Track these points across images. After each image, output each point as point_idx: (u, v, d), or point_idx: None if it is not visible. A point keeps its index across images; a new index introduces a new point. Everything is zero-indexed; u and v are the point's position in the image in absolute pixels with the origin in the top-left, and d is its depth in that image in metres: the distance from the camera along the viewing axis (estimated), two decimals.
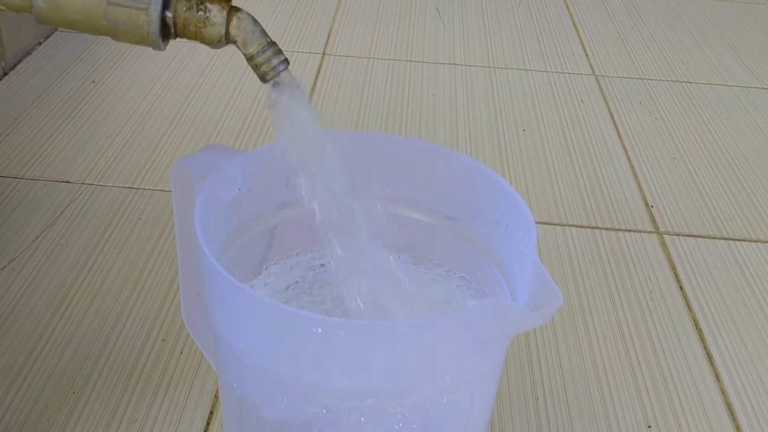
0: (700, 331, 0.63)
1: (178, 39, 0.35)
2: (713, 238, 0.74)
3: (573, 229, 0.74)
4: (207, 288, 0.37)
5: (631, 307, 0.65)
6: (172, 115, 0.86)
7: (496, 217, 0.42)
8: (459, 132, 0.88)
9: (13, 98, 0.87)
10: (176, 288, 0.62)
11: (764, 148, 0.90)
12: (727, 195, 0.81)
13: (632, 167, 0.84)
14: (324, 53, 1.03)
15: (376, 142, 0.46)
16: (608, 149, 0.87)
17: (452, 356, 0.35)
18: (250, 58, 0.35)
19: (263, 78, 0.35)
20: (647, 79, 1.03)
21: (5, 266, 0.63)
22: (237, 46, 0.35)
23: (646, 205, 0.78)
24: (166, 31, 0.34)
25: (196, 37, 0.34)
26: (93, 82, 0.92)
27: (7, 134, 0.80)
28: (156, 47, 0.34)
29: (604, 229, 0.74)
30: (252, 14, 0.35)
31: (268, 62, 0.35)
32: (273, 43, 0.35)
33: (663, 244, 0.73)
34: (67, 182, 0.74)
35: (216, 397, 0.54)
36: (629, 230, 0.74)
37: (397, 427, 0.36)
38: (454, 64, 1.03)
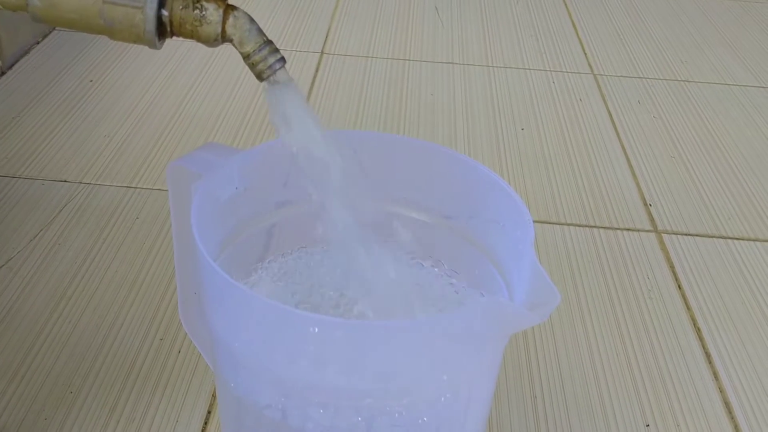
0: (698, 330, 0.63)
1: (174, 38, 0.35)
2: (711, 237, 0.74)
3: (571, 228, 0.74)
4: (204, 287, 0.37)
5: (630, 306, 0.65)
6: (170, 114, 0.86)
7: (494, 216, 0.42)
8: (457, 131, 0.88)
9: (11, 97, 0.87)
10: (174, 287, 0.62)
11: (763, 147, 0.90)
12: (725, 194, 0.81)
13: (631, 166, 0.84)
14: (322, 52, 1.03)
15: (374, 141, 0.46)
16: (607, 148, 0.87)
17: (449, 355, 0.35)
18: (246, 57, 0.35)
19: (259, 76, 0.35)
20: (646, 78, 1.03)
21: (3, 265, 0.63)
22: (233, 45, 0.35)
23: (645, 204, 0.78)
24: (162, 30, 0.34)
25: (193, 35, 0.34)
26: (91, 81, 0.91)
27: (5, 133, 0.80)
28: (152, 46, 0.34)
29: (602, 227, 0.74)
30: (248, 13, 0.35)
31: (265, 61, 0.35)
32: (269, 42, 0.35)
33: (661, 243, 0.73)
34: (65, 181, 0.74)
35: (214, 396, 0.54)
36: (628, 229, 0.74)
37: (394, 426, 0.36)
38: (452, 63, 1.03)
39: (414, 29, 1.12)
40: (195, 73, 0.95)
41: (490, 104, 0.94)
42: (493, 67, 1.03)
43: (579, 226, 0.74)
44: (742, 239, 0.74)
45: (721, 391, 0.58)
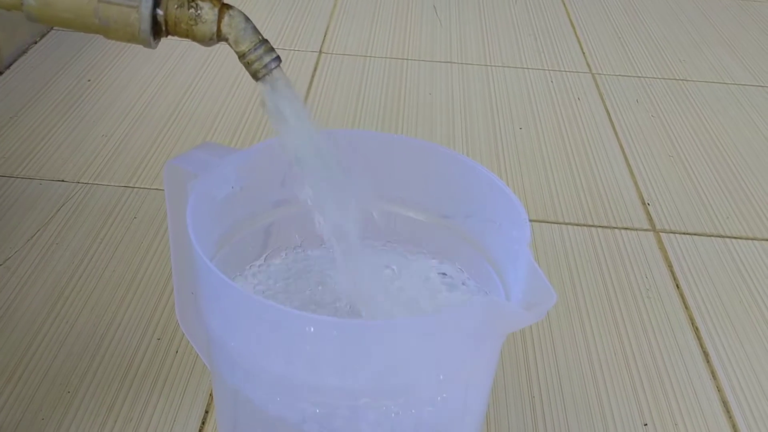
0: (696, 329, 0.63)
1: (170, 37, 0.35)
2: (710, 235, 0.74)
3: (569, 227, 0.74)
4: (200, 287, 0.37)
5: (628, 304, 0.65)
6: (168, 114, 0.86)
7: (491, 215, 0.42)
8: (456, 130, 0.88)
9: (8, 97, 0.87)
10: (171, 287, 0.62)
11: (761, 146, 0.90)
12: (723, 193, 0.81)
13: (629, 165, 0.84)
14: (321, 51, 1.03)
15: (372, 140, 0.46)
16: (605, 147, 0.87)
17: (446, 355, 0.35)
18: (241, 56, 0.35)
19: (255, 75, 0.35)
20: (644, 77, 1.03)
21: (0, 265, 0.63)
22: (229, 44, 0.35)
23: (643, 203, 0.78)
24: (158, 29, 0.34)
25: (188, 34, 0.34)
26: (89, 80, 0.91)
27: (3, 133, 0.80)
28: (147, 45, 0.34)
29: (600, 227, 0.74)
30: (244, 12, 0.35)
31: (260, 60, 0.35)
32: (265, 41, 0.35)
33: (659, 241, 0.73)
34: (63, 181, 0.74)
35: (211, 396, 0.54)
36: (626, 228, 0.74)
37: (391, 425, 0.36)
38: (450, 62, 1.03)
39: (412, 28, 1.12)
40: (193, 73, 0.94)
41: (489, 103, 0.94)
42: (491, 66, 1.03)
43: (577, 225, 0.74)
44: (740, 238, 0.74)
45: (719, 390, 0.58)
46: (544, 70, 1.03)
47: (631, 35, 1.15)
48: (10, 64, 0.93)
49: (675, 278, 0.68)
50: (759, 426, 0.55)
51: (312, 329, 0.32)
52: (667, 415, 0.55)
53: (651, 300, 0.66)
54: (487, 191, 0.41)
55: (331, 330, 0.33)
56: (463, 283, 0.45)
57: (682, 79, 1.03)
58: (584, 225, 0.74)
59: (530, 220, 0.39)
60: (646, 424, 0.54)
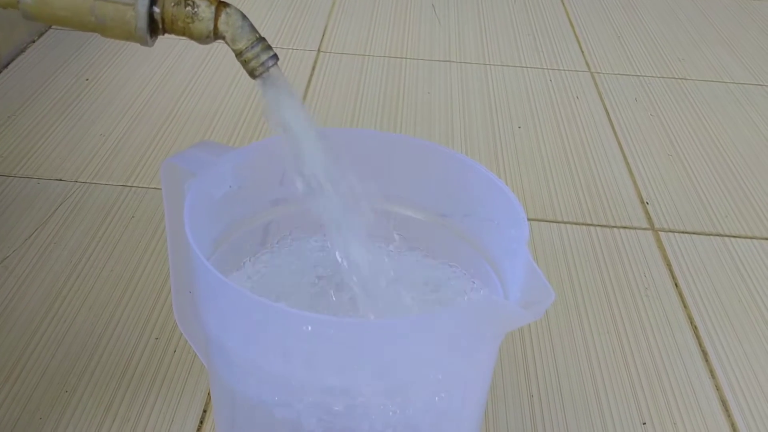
0: (695, 328, 0.63)
1: (166, 35, 0.35)
2: (708, 234, 0.74)
3: (568, 226, 0.74)
4: (197, 286, 0.37)
5: (626, 303, 0.65)
6: (166, 113, 0.86)
7: (489, 214, 0.42)
8: (454, 129, 0.88)
9: (6, 96, 0.86)
10: (169, 286, 0.62)
11: (760, 144, 0.90)
12: (722, 192, 0.80)
13: (627, 164, 0.84)
14: (319, 50, 1.03)
15: (371, 139, 0.46)
16: (604, 146, 0.87)
17: (443, 354, 0.35)
18: (239, 54, 0.35)
19: (252, 73, 0.35)
20: (643, 76, 1.03)
21: None
22: (226, 42, 0.35)
23: (642, 202, 0.78)
24: (154, 27, 0.34)
25: (185, 32, 0.34)
26: (87, 79, 0.91)
27: (1, 132, 0.80)
28: (144, 43, 0.34)
29: (599, 225, 0.74)
30: (241, 10, 0.35)
31: (257, 58, 0.35)
32: (262, 39, 0.35)
33: (658, 240, 0.73)
34: (61, 180, 0.74)
35: (209, 395, 0.53)
36: (624, 227, 0.74)
37: (389, 424, 0.36)
38: (449, 61, 1.03)
39: (411, 27, 1.11)
40: (191, 72, 0.94)
41: (487, 102, 0.93)
42: (490, 65, 1.03)
43: (576, 224, 0.74)
44: (739, 237, 0.74)
45: (718, 389, 0.58)
46: (543, 69, 1.03)
47: (630, 34, 1.15)
48: (8, 63, 0.93)
49: (674, 277, 0.68)
50: (758, 424, 0.55)
51: (309, 328, 0.32)
52: (665, 413, 0.55)
53: (650, 299, 0.66)
54: (486, 190, 0.41)
55: (329, 329, 0.33)
56: (463, 276, 0.45)
57: (681, 78, 1.03)
58: (583, 224, 0.74)
59: (529, 219, 0.39)
60: (644, 423, 0.54)
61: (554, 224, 0.74)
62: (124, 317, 0.59)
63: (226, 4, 0.34)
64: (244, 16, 0.35)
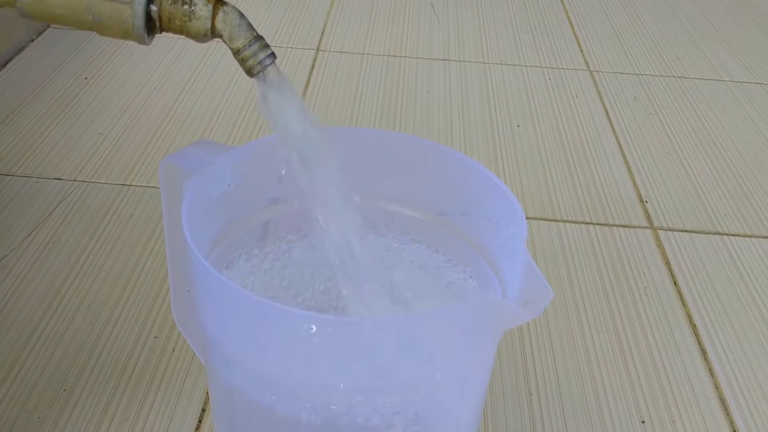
0: (694, 327, 0.63)
1: (164, 33, 0.35)
2: (707, 233, 0.74)
3: (567, 224, 0.74)
4: (195, 285, 0.37)
5: (625, 302, 0.65)
6: (165, 112, 0.86)
7: (488, 212, 0.42)
8: (453, 128, 0.87)
9: (5, 95, 0.86)
10: (168, 285, 0.62)
11: (759, 143, 0.90)
12: (721, 190, 0.80)
13: (626, 162, 0.84)
14: (318, 49, 1.03)
15: (369, 137, 0.46)
16: (603, 144, 0.87)
17: (442, 352, 0.35)
18: (236, 52, 0.35)
19: (250, 72, 0.35)
20: (642, 75, 1.03)
21: None
22: (223, 41, 0.35)
23: (641, 201, 0.78)
24: (152, 26, 0.34)
25: (182, 31, 0.34)
26: (86, 78, 0.91)
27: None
28: (141, 42, 0.34)
29: (598, 224, 0.74)
30: (240, 8, 0.35)
31: (255, 56, 0.35)
32: (259, 37, 0.35)
33: (657, 239, 0.73)
34: (59, 179, 0.74)
35: (208, 394, 0.53)
36: (623, 225, 0.74)
37: (387, 423, 0.36)
38: (448, 59, 1.03)
39: (410, 26, 1.11)
40: (190, 71, 0.94)
41: (486, 101, 0.93)
42: (489, 63, 1.03)
43: (575, 222, 0.74)
44: (738, 236, 0.74)
45: (717, 387, 0.58)
46: (542, 67, 1.03)
47: (629, 32, 1.15)
48: (7, 62, 0.93)
49: (673, 275, 0.68)
50: (756, 423, 0.55)
51: (307, 327, 0.32)
52: (664, 412, 0.55)
53: (649, 297, 0.65)
54: (485, 189, 0.41)
55: (327, 327, 0.33)
56: (460, 279, 0.45)
57: (680, 77, 1.03)
58: (582, 222, 0.74)
59: (528, 218, 0.39)
60: (643, 422, 0.54)
61: (553, 223, 0.74)
62: (122, 316, 0.59)
63: (224, 3, 0.34)
64: (241, 15, 0.35)
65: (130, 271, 0.63)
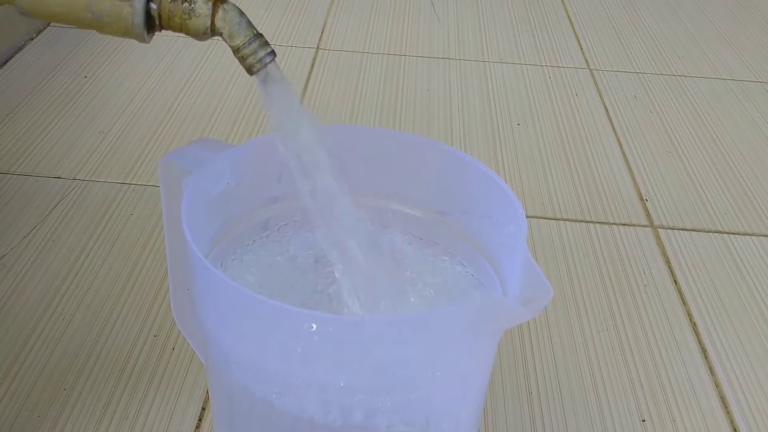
0: (694, 325, 0.63)
1: (163, 31, 0.35)
2: (708, 231, 0.74)
3: (567, 223, 0.73)
4: (195, 283, 0.37)
5: (626, 300, 0.65)
6: (165, 110, 0.86)
7: (488, 211, 0.42)
8: (453, 126, 0.87)
9: (4, 94, 0.86)
10: (168, 284, 0.62)
11: (759, 141, 0.90)
12: (721, 189, 0.80)
13: (627, 161, 0.84)
14: (318, 48, 1.03)
15: (369, 136, 0.46)
16: (603, 143, 0.87)
17: (442, 351, 0.35)
18: (236, 50, 0.35)
19: (249, 70, 0.35)
20: (642, 73, 1.03)
21: None
22: (223, 38, 0.35)
23: (641, 199, 0.78)
24: (151, 23, 0.34)
25: (182, 29, 0.34)
26: (85, 77, 0.91)
27: None
28: (141, 39, 0.34)
29: (598, 223, 0.74)
30: (239, 6, 0.35)
31: (255, 54, 0.35)
32: (259, 35, 0.35)
33: (657, 237, 0.73)
34: (59, 178, 0.74)
35: (208, 393, 0.53)
36: (623, 224, 0.74)
37: (388, 422, 0.36)
38: (448, 58, 1.03)
39: (410, 24, 1.11)
40: (190, 69, 0.94)
41: (486, 99, 0.93)
42: (489, 62, 1.02)
43: (575, 221, 0.74)
44: (738, 234, 0.74)
45: (717, 386, 0.58)
46: (542, 66, 1.03)
47: (629, 31, 1.15)
48: (6, 61, 0.93)
49: (673, 274, 0.68)
50: (757, 421, 0.55)
51: (307, 325, 0.32)
52: (665, 410, 0.55)
53: (649, 296, 0.65)
54: (485, 187, 0.41)
55: (327, 326, 0.33)
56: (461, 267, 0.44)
57: (680, 75, 1.03)
58: (582, 221, 0.74)
59: (528, 217, 0.39)
60: (644, 420, 0.54)
61: (553, 221, 0.74)
62: (122, 315, 0.59)
63: (223, 0, 0.34)
64: (241, 13, 0.34)
65: (130, 270, 0.63)
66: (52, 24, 1.01)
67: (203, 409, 0.52)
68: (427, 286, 0.43)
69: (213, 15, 0.34)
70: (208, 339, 0.38)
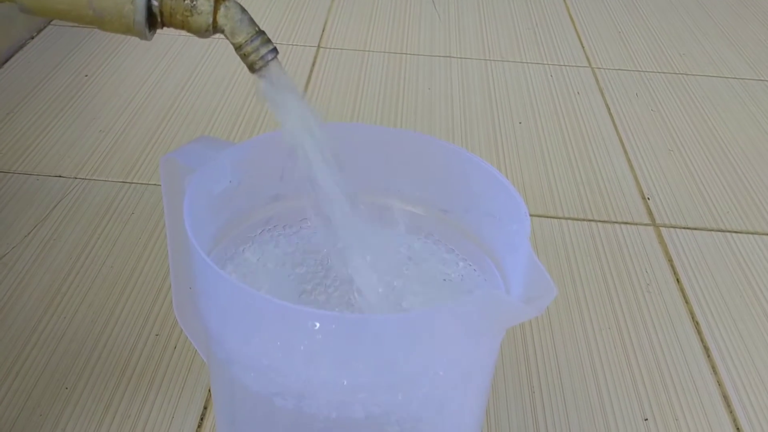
0: (696, 324, 0.63)
1: (165, 29, 0.34)
2: (710, 230, 0.74)
3: (569, 221, 0.73)
4: (197, 282, 0.36)
5: (628, 299, 0.65)
6: (165, 109, 0.85)
7: (490, 209, 0.42)
8: (455, 125, 0.87)
9: (5, 93, 0.86)
10: (169, 283, 0.62)
11: (761, 139, 0.89)
12: (723, 187, 0.80)
13: (629, 159, 0.83)
14: (319, 46, 1.02)
15: (371, 134, 0.46)
16: (605, 141, 0.86)
17: (445, 349, 0.35)
18: (238, 48, 0.34)
19: (251, 67, 0.35)
20: (644, 71, 1.02)
21: None
22: (225, 36, 0.34)
23: (643, 197, 0.78)
24: (153, 20, 0.33)
25: (183, 26, 0.33)
26: (86, 76, 0.91)
27: (0, 129, 0.80)
28: (143, 37, 0.33)
29: (600, 221, 0.74)
30: (240, 3, 0.35)
31: (257, 51, 0.34)
32: (261, 32, 0.35)
33: (659, 236, 0.72)
34: (60, 177, 0.74)
35: (210, 392, 0.53)
36: (626, 222, 0.74)
37: (389, 421, 0.36)
38: (449, 56, 1.02)
39: (411, 23, 1.11)
40: (191, 68, 0.94)
41: (488, 98, 0.93)
42: (490, 60, 1.02)
43: (577, 219, 0.74)
44: (741, 232, 0.74)
45: (720, 384, 0.58)
46: (544, 64, 1.02)
47: (630, 29, 1.14)
48: (7, 60, 0.92)
49: (675, 272, 0.68)
50: (760, 420, 0.55)
51: (311, 324, 0.32)
52: (667, 409, 0.55)
53: (651, 294, 0.65)
54: (487, 185, 0.41)
55: (330, 324, 0.33)
56: (462, 264, 0.44)
57: (681, 73, 1.03)
58: (584, 219, 0.74)
59: (530, 215, 0.39)
60: (646, 419, 0.54)
61: (555, 220, 0.73)
62: (124, 314, 0.59)
63: None
64: (243, 10, 0.34)
65: (132, 269, 0.63)
66: (52, 22, 1.01)
67: (205, 407, 0.52)
68: (429, 284, 0.43)
69: (215, 12, 0.33)
70: (210, 338, 0.38)
